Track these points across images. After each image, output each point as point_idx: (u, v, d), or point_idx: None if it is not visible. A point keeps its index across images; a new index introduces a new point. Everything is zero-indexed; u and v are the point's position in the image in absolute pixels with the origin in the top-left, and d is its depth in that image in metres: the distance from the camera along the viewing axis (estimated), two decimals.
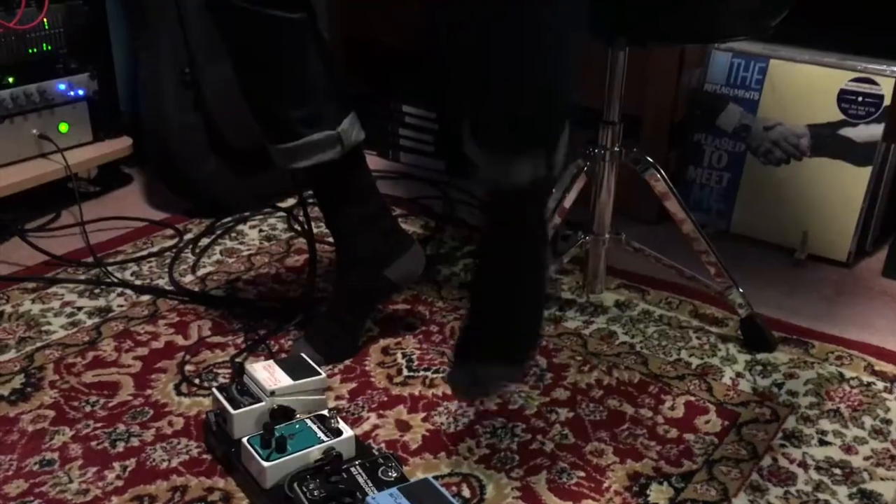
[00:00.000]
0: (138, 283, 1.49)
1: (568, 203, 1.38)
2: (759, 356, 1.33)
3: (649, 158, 1.34)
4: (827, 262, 1.62)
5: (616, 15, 1.11)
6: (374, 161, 2.10)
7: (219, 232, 1.69)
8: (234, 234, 1.69)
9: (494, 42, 0.88)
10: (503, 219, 1.00)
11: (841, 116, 1.57)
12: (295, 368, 1.12)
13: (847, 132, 1.57)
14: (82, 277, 1.50)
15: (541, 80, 0.92)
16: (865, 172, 1.56)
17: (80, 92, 1.73)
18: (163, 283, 1.49)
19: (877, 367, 1.31)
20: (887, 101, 1.52)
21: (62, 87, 1.70)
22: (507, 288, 1.01)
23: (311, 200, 1.54)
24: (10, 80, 1.62)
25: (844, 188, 1.58)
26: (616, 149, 1.34)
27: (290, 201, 1.80)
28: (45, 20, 1.62)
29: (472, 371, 1.03)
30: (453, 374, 1.07)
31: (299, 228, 1.70)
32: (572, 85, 0.95)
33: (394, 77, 2.12)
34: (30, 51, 1.64)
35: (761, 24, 1.16)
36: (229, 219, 1.73)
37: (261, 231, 1.71)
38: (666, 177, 1.34)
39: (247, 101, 1.21)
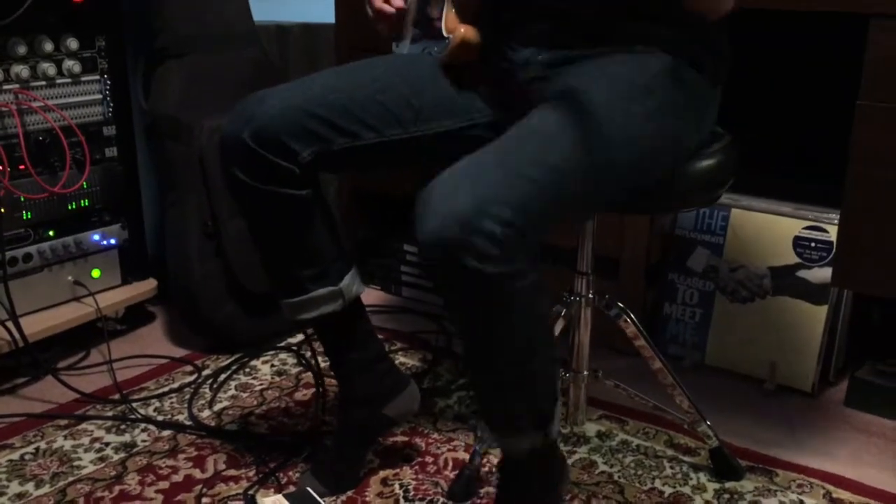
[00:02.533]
0: (160, 418, 1.64)
1: None
2: (728, 484, 1.45)
3: (620, 304, 1.50)
4: (794, 392, 1.76)
5: None
6: (377, 295, 2.27)
7: (234, 368, 1.84)
8: (247, 370, 1.84)
9: (485, 354, 1.10)
10: (514, 469, 1.22)
11: (797, 260, 1.74)
12: (301, 502, 1.26)
13: (804, 274, 1.73)
14: (109, 414, 1.65)
15: (528, 387, 1.14)
16: (822, 311, 1.72)
17: (113, 241, 1.93)
18: (182, 418, 1.64)
19: (835, 495, 1.42)
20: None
21: (96, 237, 1.90)
22: None
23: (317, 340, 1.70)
24: (51, 233, 1.82)
25: (805, 325, 1.73)
26: (590, 295, 1.50)
27: (300, 337, 1.96)
28: (85, 182, 1.82)
29: None
30: None
31: (307, 364, 1.85)
32: (556, 380, 1.20)
33: (395, 219, 2.32)
34: (69, 207, 1.84)
35: (712, 194, 1.34)
36: (243, 354, 1.89)
37: (272, 366, 1.86)
38: (636, 320, 1.49)
39: (261, 259, 1.39)
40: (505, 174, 1.01)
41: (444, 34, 1.30)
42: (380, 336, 1.47)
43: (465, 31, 1.28)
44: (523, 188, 1.01)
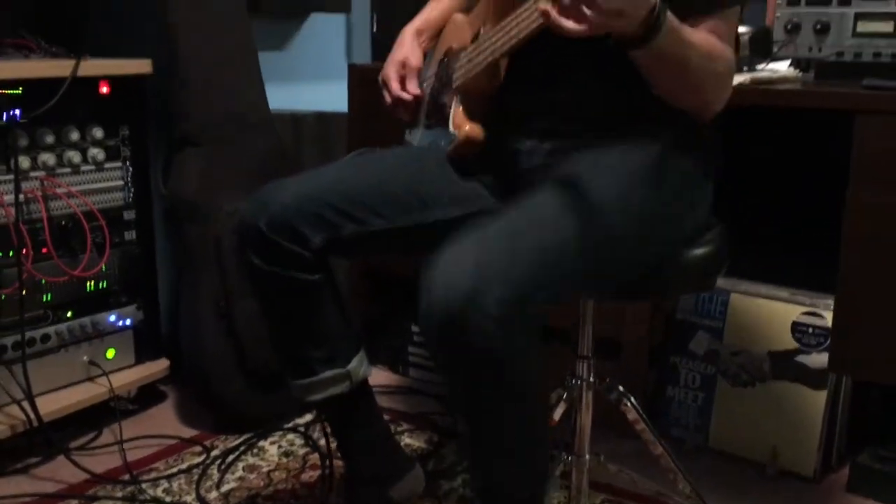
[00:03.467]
0: (168, 500, 1.66)
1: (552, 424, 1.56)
2: None
3: (621, 388, 1.52)
4: (796, 478, 1.77)
5: None
6: (384, 376, 2.30)
7: (242, 449, 1.87)
8: (255, 451, 1.87)
9: (481, 426, 1.15)
10: None
11: (796, 345, 1.77)
12: None
13: (803, 359, 1.77)
14: (119, 495, 1.67)
15: (521, 457, 1.18)
16: (822, 396, 1.74)
17: (128, 321, 1.98)
18: (190, 499, 1.66)
19: None
20: None
21: (112, 318, 1.95)
22: None
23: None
24: (69, 314, 1.87)
25: (805, 409, 1.76)
26: (591, 379, 1.53)
27: (308, 417, 1.99)
28: (104, 265, 1.89)
29: None
30: None
31: (314, 445, 1.88)
32: (547, 452, 1.26)
33: (404, 299, 2.37)
34: (88, 288, 1.90)
35: (706, 282, 1.39)
36: (252, 436, 1.92)
37: (280, 447, 1.88)
38: (637, 405, 1.51)
39: (270, 341, 1.44)
40: (508, 253, 1.06)
41: (451, 130, 1.37)
42: (386, 416, 1.50)
43: (469, 129, 1.35)
44: (524, 267, 1.05)
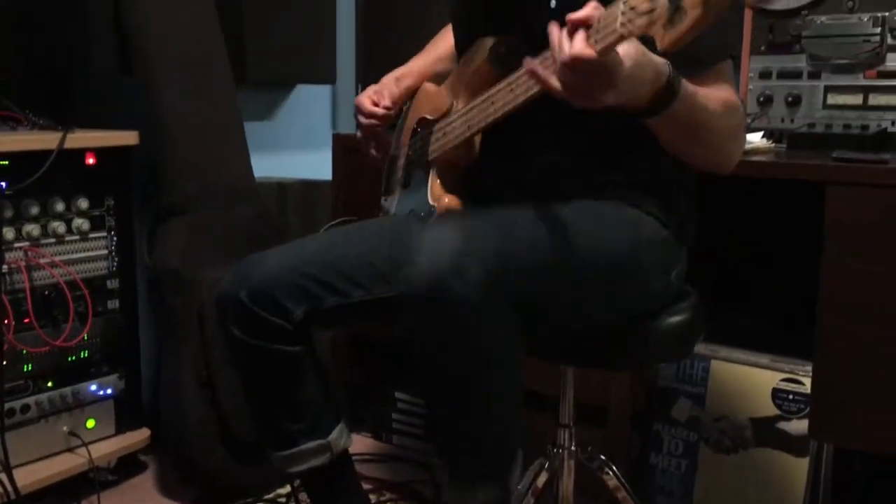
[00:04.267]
0: None
1: (533, 496, 1.55)
2: None
3: (603, 457, 1.53)
4: None
5: (560, 347, 1.35)
6: (368, 443, 2.29)
7: None
8: None
9: (451, 406, 1.15)
10: None
11: (777, 412, 1.78)
12: None
13: (784, 426, 1.77)
14: None
15: (488, 432, 1.17)
16: (804, 463, 1.74)
17: (109, 391, 1.97)
18: None
19: None
20: None
21: (93, 387, 1.94)
22: None
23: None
24: (50, 384, 1.86)
25: (788, 476, 1.75)
26: (573, 448, 1.53)
27: (289, 487, 1.97)
28: (86, 335, 1.89)
29: None
30: None
31: None
32: (517, 431, 1.21)
33: (388, 367, 2.37)
34: (69, 359, 1.89)
35: (682, 350, 1.40)
36: None
37: None
38: (618, 473, 1.52)
39: (251, 412, 1.43)
40: (495, 231, 1.13)
41: (430, 202, 1.40)
42: (370, 485, 1.50)
43: (449, 201, 1.37)
44: (509, 246, 1.11)
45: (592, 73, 0.99)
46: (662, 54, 1.02)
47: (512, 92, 1.20)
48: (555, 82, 1.03)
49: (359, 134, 1.53)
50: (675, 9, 0.90)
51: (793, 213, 1.85)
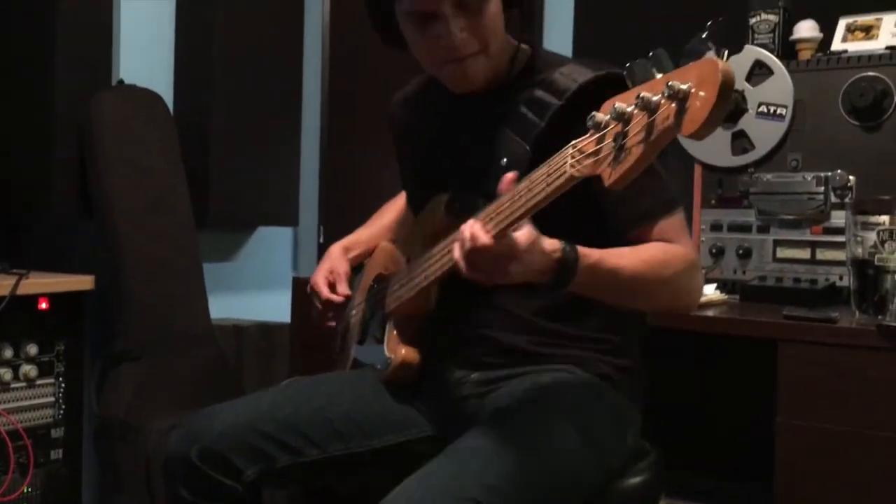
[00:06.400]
0: None
1: None
2: None
3: None
4: None
5: None
6: None
7: None
8: None
9: None
10: None
11: None
12: None
13: None
14: None
15: None
16: None
17: None
18: None
19: None
20: None
21: None
22: None
23: None
24: None
25: None
26: None
27: None
28: (26, 487, 1.80)
29: None
30: None
31: None
32: None
33: None
34: None
35: None
36: None
37: None
38: None
39: None
40: (449, 499, 1.08)
41: (386, 354, 1.39)
42: None
43: (405, 353, 1.36)
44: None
45: (490, 255, 1.06)
46: (609, 192, 1.05)
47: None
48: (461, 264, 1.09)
49: (315, 312, 1.54)
50: (619, 148, 0.95)
51: (748, 365, 1.87)
